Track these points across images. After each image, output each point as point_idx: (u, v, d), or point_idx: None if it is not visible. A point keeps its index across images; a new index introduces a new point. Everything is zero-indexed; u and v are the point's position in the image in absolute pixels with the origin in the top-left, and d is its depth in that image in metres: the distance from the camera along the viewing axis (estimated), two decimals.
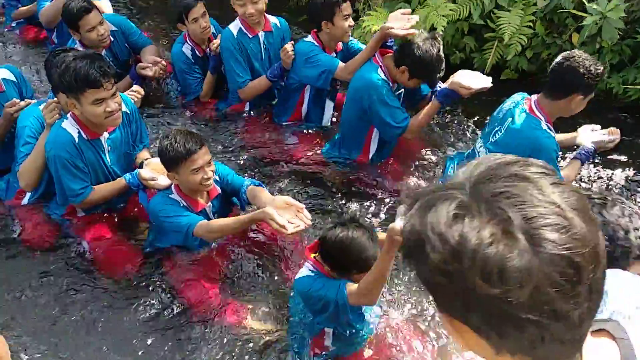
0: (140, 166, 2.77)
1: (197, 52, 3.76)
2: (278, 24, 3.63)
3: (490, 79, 2.85)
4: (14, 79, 3.18)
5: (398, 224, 1.74)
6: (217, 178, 2.60)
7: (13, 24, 4.94)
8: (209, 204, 2.59)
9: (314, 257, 2.13)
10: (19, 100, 2.91)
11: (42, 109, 2.66)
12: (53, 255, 2.80)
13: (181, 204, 2.51)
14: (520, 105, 2.62)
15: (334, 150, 3.37)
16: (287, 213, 2.30)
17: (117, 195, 2.76)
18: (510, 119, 2.62)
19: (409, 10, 3.04)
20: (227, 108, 3.83)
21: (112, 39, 3.75)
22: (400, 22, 2.92)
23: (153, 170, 2.62)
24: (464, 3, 3.69)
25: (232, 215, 2.71)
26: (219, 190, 2.63)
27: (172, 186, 2.52)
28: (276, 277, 2.65)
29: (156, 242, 2.70)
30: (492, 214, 0.62)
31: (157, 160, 2.70)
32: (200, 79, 3.82)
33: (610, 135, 2.82)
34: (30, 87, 3.32)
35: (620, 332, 0.78)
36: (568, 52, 2.52)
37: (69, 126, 2.58)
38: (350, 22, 3.22)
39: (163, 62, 3.78)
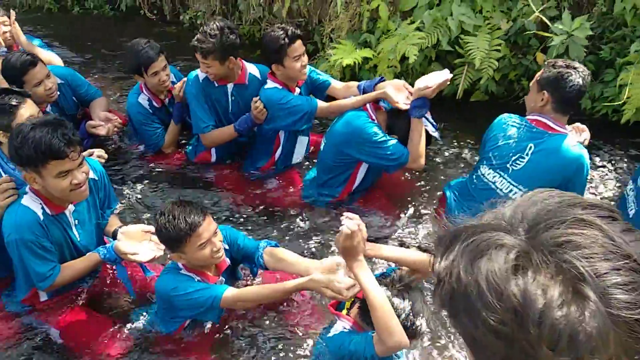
0: (114, 236, 2.45)
1: (154, 103, 3.49)
2: (258, 76, 3.35)
3: (447, 70, 2.75)
4: None
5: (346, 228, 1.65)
6: (225, 246, 2.31)
7: None
8: (220, 278, 2.29)
9: (348, 314, 1.91)
10: None
11: None
12: (15, 350, 2.39)
13: (196, 279, 2.20)
14: (534, 129, 2.55)
15: (313, 192, 3.18)
16: (334, 274, 2.01)
17: (88, 273, 2.42)
18: (531, 145, 2.53)
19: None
20: (194, 158, 3.58)
21: (59, 93, 3.40)
22: (402, 94, 2.79)
23: (131, 240, 2.31)
24: (431, 31, 3.64)
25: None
26: (228, 262, 2.33)
27: (179, 264, 2.21)
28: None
29: (163, 326, 2.34)
30: (559, 268, 0.53)
31: (132, 228, 2.39)
32: (159, 129, 3.53)
33: (578, 132, 2.74)
34: None
35: None
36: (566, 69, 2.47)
37: (31, 202, 2.23)
38: (304, 60, 3.01)
39: (118, 120, 3.49)
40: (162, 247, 2.23)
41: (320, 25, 4.41)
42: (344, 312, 1.97)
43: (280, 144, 3.35)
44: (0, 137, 2.55)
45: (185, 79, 3.40)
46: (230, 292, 2.14)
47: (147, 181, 3.43)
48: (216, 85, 3.28)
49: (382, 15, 3.86)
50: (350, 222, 1.78)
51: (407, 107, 2.74)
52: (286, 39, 2.91)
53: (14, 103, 2.55)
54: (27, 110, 2.56)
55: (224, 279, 2.31)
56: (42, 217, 2.23)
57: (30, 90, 3.21)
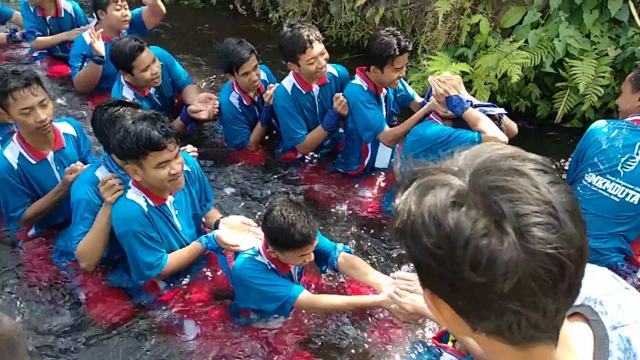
0: (215, 227, 2.50)
1: (244, 101, 3.54)
2: (336, 74, 3.43)
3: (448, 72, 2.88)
4: (74, 133, 2.93)
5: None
6: None
7: (35, 54, 4.64)
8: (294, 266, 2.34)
9: (454, 346, 1.86)
10: (81, 166, 2.69)
11: (100, 189, 2.40)
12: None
13: (268, 267, 2.25)
14: (638, 128, 2.51)
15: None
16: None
17: (192, 261, 2.48)
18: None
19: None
20: (280, 155, 3.62)
21: None
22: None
23: (232, 231, 2.36)
24: (535, 50, 3.52)
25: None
26: None
27: (258, 246, 2.26)
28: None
29: (242, 303, 2.39)
30: (487, 207, 0.64)
31: (232, 219, 2.45)
32: (246, 129, 3.59)
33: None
34: (88, 142, 3.07)
35: (593, 315, 0.81)
36: None
37: (135, 196, 2.34)
38: (402, 72, 3.04)
39: (216, 101, 3.55)
40: (262, 237, 2.27)
41: (414, 35, 4.35)
42: (450, 344, 1.91)
43: (369, 150, 3.34)
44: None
45: (273, 86, 3.44)
46: (305, 295, 2.20)
47: (234, 176, 3.47)
48: (304, 92, 3.32)
49: (483, 30, 3.77)
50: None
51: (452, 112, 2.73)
52: (397, 50, 2.90)
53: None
54: None
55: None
56: (146, 209, 2.32)
57: (138, 75, 3.36)
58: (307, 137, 3.38)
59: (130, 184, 2.37)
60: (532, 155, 0.70)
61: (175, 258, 2.40)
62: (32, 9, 4.45)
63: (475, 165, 0.68)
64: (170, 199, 2.41)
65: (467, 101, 2.70)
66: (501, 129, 2.69)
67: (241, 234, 2.34)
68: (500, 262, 0.62)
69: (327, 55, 3.18)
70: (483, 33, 3.78)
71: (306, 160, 3.60)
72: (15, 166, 2.70)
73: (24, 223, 2.86)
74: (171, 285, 2.52)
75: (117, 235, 2.35)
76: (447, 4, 3.69)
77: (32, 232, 2.93)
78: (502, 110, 2.74)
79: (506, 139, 2.66)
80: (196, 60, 4.98)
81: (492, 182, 0.65)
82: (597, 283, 0.85)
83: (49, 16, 4.50)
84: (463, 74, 3.75)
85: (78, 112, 4.02)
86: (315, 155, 3.60)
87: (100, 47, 3.80)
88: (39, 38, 4.50)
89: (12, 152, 2.72)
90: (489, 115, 2.67)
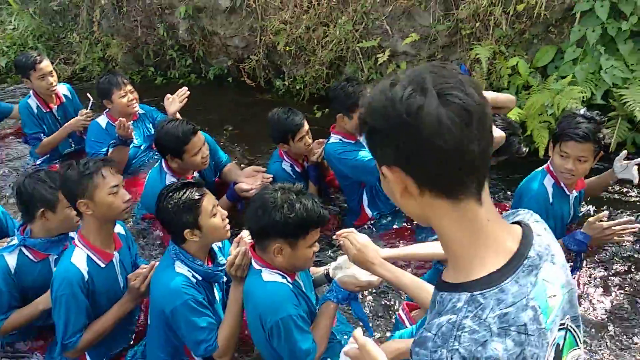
0: (328, 279, 2.32)
1: (296, 168, 3.42)
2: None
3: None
4: (122, 231, 2.64)
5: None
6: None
7: (38, 162, 4.23)
8: None
9: None
10: (145, 268, 2.44)
11: (230, 271, 2.17)
12: None
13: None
14: None
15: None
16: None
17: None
18: None
19: None
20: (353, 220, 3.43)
21: None
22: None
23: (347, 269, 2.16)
24: (584, 84, 3.55)
25: None
26: None
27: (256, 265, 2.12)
28: None
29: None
30: (416, 82, 0.88)
31: (342, 261, 2.20)
32: None
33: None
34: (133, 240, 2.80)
35: (527, 222, 1.02)
36: None
37: (276, 276, 2.07)
38: None
39: (264, 174, 3.36)
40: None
41: None
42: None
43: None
44: (187, 235, 2.24)
45: (321, 142, 3.40)
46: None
47: None
48: (353, 142, 3.24)
49: (522, 71, 3.80)
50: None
51: None
52: None
53: (196, 197, 2.24)
54: (209, 202, 2.27)
55: None
56: (292, 286, 2.09)
57: (189, 160, 3.09)
58: None
59: (254, 265, 2.12)
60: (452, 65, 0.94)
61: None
62: (34, 110, 4.14)
63: (419, 72, 0.90)
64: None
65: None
66: None
67: (354, 269, 2.09)
68: (427, 108, 0.84)
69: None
70: (523, 74, 3.79)
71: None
72: (86, 275, 2.32)
73: (76, 354, 2.38)
74: None
75: (270, 326, 1.98)
76: (486, 51, 3.70)
77: None
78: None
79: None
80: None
81: (421, 72, 0.89)
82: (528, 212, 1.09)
83: (55, 106, 4.19)
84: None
85: None
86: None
87: (128, 128, 3.52)
88: (43, 141, 4.16)
89: (80, 258, 2.34)
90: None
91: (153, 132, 3.84)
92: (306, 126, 3.26)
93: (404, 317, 2.37)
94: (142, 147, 3.99)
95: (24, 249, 2.53)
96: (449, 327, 0.86)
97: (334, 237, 2.02)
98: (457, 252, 0.93)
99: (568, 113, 2.72)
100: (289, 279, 2.08)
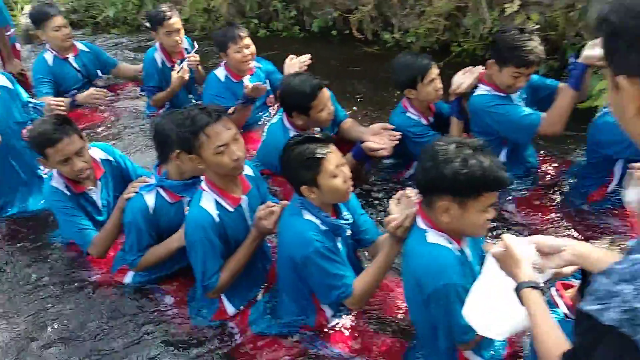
0: None
1: (422, 121, 3.17)
2: None
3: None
4: (251, 172, 2.58)
5: None
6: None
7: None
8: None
9: None
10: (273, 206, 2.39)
11: (386, 227, 2.07)
12: None
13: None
14: None
15: None
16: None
17: None
18: None
19: None
20: None
21: None
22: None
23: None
24: None
25: None
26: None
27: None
28: None
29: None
30: None
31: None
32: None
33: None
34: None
35: None
36: None
37: (438, 238, 1.95)
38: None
39: (390, 130, 3.14)
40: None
41: (582, 39, 3.88)
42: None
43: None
44: (304, 191, 2.16)
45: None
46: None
47: None
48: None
49: None
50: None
51: None
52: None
53: (318, 155, 2.11)
54: (333, 162, 2.12)
55: None
56: (459, 253, 1.95)
57: (315, 116, 2.98)
58: None
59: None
60: None
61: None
62: (159, 65, 4.20)
63: None
64: None
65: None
66: None
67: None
68: None
69: None
70: None
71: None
72: (217, 219, 2.33)
73: (216, 294, 2.45)
74: None
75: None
76: None
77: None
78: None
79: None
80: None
81: None
82: None
83: (178, 61, 4.20)
84: None
85: None
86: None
87: (262, 91, 3.50)
88: (158, 95, 4.23)
89: (209, 202, 2.34)
90: None
91: (269, 89, 3.77)
92: (436, 69, 3.02)
93: (557, 299, 2.16)
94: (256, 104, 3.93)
95: (160, 190, 2.60)
96: None
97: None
98: None
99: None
100: (456, 244, 1.91)
